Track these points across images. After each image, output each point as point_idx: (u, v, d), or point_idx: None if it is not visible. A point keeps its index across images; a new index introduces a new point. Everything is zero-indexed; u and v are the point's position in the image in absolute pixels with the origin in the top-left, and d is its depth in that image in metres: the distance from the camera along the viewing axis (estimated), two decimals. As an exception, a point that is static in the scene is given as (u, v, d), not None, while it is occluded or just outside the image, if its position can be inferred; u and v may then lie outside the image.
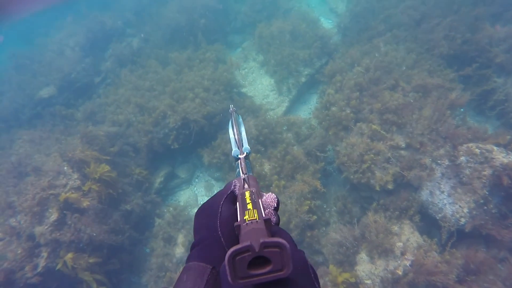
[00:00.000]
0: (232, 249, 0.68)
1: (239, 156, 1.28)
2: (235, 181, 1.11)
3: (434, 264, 4.40)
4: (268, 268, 0.70)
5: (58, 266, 5.36)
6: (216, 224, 0.97)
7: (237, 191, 1.06)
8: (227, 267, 0.69)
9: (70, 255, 5.43)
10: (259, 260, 0.70)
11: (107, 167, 6.40)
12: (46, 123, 8.29)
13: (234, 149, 1.32)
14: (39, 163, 6.34)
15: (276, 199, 1.03)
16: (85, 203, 5.62)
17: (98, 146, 7.02)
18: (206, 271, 0.88)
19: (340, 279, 4.99)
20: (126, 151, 7.63)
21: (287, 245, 0.69)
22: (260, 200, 0.97)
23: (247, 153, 1.30)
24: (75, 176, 6.21)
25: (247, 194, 0.95)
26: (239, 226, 0.81)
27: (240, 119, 1.54)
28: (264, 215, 0.85)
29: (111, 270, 6.29)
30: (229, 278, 0.69)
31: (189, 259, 0.95)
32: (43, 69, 9.40)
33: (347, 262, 5.36)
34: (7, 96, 9.49)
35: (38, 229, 5.24)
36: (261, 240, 0.69)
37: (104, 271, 6.01)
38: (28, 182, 5.87)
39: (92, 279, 5.51)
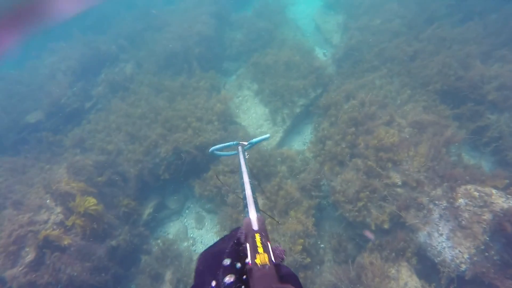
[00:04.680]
0: None
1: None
2: (241, 229, 1.18)
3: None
4: None
5: (32, 312, 4.93)
6: (220, 273, 1.05)
7: (242, 239, 1.13)
8: None
9: (46, 299, 5.02)
10: None
11: (93, 200, 6.10)
12: (31, 149, 7.97)
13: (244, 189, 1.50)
14: (19, 195, 6.00)
15: (283, 252, 1.14)
16: (67, 241, 5.27)
17: (85, 176, 6.73)
18: None
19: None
20: (115, 181, 7.33)
21: None
22: (269, 243, 1.05)
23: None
24: (58, 210, 5.88)
25: (258, 237, 1.03)
26: (251, 269, 0.88)
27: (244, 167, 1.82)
28: (274, 261, 0.93)
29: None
30: None
31: None
32: (32, 93, 9.18)
33: (343, 307, 5.08)
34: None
35: (10, 272, 4.84)
36: (273, 286, 0.78)
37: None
38: (5, 216, 5.51)
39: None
